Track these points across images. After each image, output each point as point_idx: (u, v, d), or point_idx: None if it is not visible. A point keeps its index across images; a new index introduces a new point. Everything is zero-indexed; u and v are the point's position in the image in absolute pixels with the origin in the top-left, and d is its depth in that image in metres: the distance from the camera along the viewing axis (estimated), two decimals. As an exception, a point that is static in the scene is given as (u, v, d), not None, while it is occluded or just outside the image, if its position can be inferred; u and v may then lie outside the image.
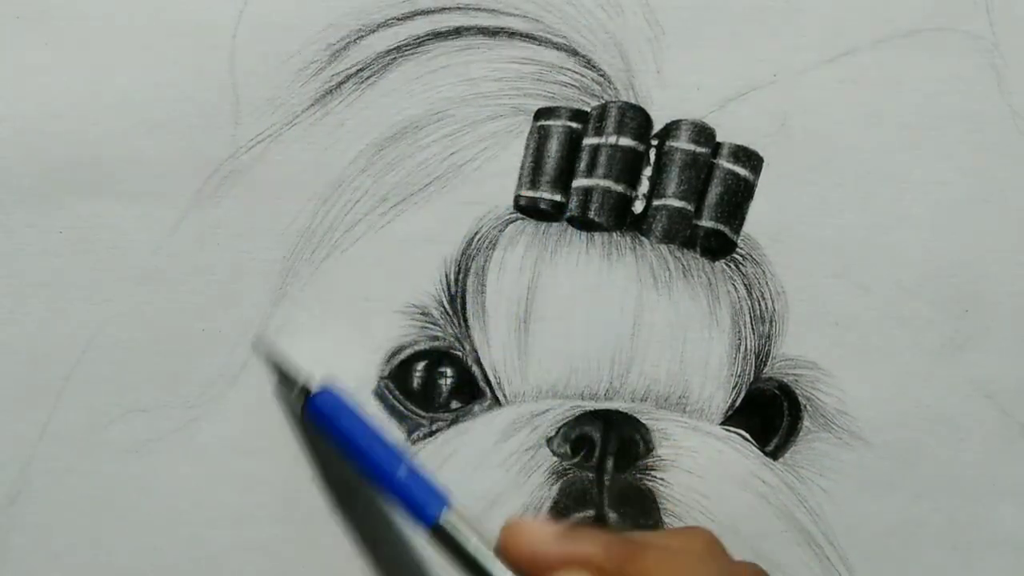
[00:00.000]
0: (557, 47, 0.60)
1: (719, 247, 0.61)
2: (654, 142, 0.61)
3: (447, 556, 0.51)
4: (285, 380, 0.58)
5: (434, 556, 0.56)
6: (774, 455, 0.61)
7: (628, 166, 0.60)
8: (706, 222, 0.60)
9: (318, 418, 0.54)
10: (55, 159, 0.60)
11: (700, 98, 0.61)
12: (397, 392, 0.61)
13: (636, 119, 0.60)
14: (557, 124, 0.60)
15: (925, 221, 0.62)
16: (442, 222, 0.60)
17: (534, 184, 0.60)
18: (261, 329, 0.60)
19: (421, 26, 0.60)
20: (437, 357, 0.61)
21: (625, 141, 0.60)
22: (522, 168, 0.61)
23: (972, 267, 0.62)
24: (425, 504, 0.52)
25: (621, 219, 0.60)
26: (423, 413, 0.61)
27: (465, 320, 0.60)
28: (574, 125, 0.60)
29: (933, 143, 0.62)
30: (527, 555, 0.50)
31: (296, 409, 0.57)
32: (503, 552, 0.50)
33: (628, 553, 0.49)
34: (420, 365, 0.61)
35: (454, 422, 0.60)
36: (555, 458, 0.60)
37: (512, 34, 0.60)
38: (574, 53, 0.61)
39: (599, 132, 0.60)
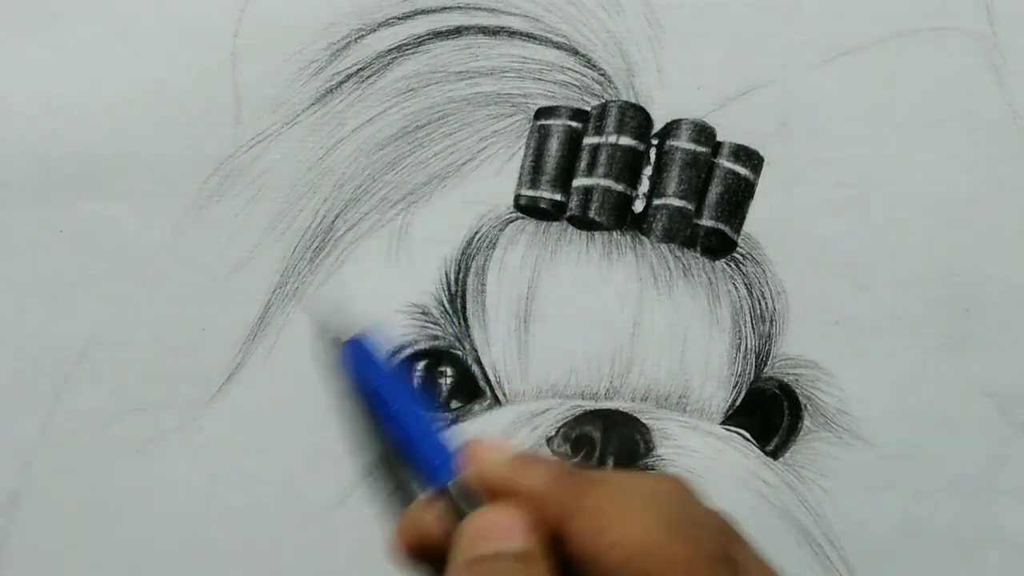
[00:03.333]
0: (557, 46, 0.60)
1: (719, 246, 0.61)
2: (654, 141, 0.61)
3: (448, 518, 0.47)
4: (324, 331, 0.51)
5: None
6: (774, 455, 0.61)
7: (628, 165, 0.60)
8: (706, 221, 0.60)
9: (348, 367, 0.49)
10: (55, 159, 0.60)
11: (700, 97, 0.61)
12: (397, 392, 0.61)
13: (636, 118, 0.60)
14: (557, 123, 0.60)
15: (925, 221, 0.62)
16: (442, 221, 0.60)
17: (534, 183, 0.60)
18: (313, 291, 0.58)
19: (421, 25, 0.60)
20: (437, 356, 0.61)
21: (625, 140, 0.60)
22: (522, 167, 0.61)
23: (972, 267, 0.62)
24: (436, 469, 0.47)
25: (621, 218, 0.60)
26: (423, 413, 0.61)
27: (465, 319, 0.60)
28: (574, 124, 0.60)
29: (933, 143, 0.62)
30: (476, 477, 0.47)
31: (329, 359, 0.50)
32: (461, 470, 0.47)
33: (578, 487, 0.46)
34: (420, 364, 0.61)
35: (454, 422, 0.60)
36: (555, 458, 0.59)
37: (512, 33, 0.60)
38: (574, 52, 0.61)
39: (599, 131, 0.60)
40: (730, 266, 0.61)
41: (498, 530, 0.45)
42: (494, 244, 0.60)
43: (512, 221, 0.61)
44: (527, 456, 0.47)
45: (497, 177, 0.61)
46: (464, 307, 0.60)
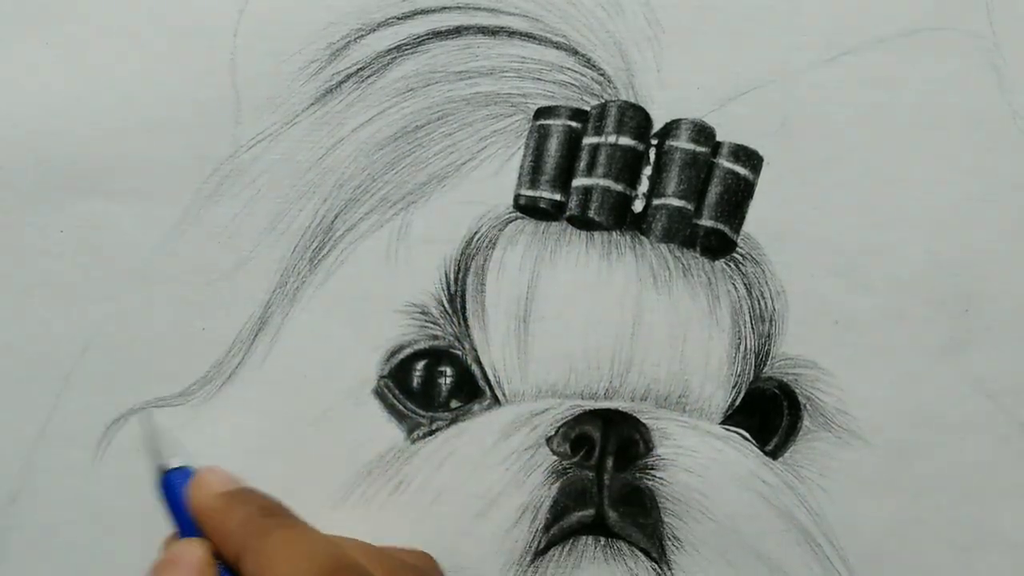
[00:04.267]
0: (557, 46, 0.60)
1: (719, 246, 0.61)
2: (654, 141, 0.61)
3: None
4: (154, 452, 0.59)
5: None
6: (774, 454, 0.61)
7: (628, 165, 0.60)
8: (706, 221, 0.60)
9: (166, 493, 0.57)
10: (55, 159, 0.60)
11: (700, 98, 0.61)
12: (397, 391, 0.61)
13: (636, 118, 0.60)
14: (557, 123, 0.60)
15: (925, 221, 0.62)
16: (442, 221, 0.60)
17: (534, 183, 0.60)
18: (147, 407, 0.60)
19: (421, 25, 0.60)
20: (437, 356, 0.61)
21: (625, 140, 0.60)
22: (522, 167, 0.61)
23: (972, 267, 0.62)
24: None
25: (621, 218, 0.60)
26: (423, 412, 0.61)
27: (465, 319, 0.60)
28: (574, 124, 0.60)
29: (933, 143, 0.62)
30: (191, 506, 0.55)
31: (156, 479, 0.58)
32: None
33: (262, 530, 0.53)
34: (420, 364, 0.61)
35: (454, 421, 0.60)
36: (555, 457, 0.59)
37: (512, 33, 0.60)
38: (574, 52, 0.61)
39: (599, 131, 0.60)
40: (729, 266, 0.61)
41: (177, 563, 0.53)
42: (494, 244, 0.60)
43: (512, 221, 0.61)
44: (239, 492, 0.55)
45: (496, 177, 0.61)
46: (464, 307, 0.60)
